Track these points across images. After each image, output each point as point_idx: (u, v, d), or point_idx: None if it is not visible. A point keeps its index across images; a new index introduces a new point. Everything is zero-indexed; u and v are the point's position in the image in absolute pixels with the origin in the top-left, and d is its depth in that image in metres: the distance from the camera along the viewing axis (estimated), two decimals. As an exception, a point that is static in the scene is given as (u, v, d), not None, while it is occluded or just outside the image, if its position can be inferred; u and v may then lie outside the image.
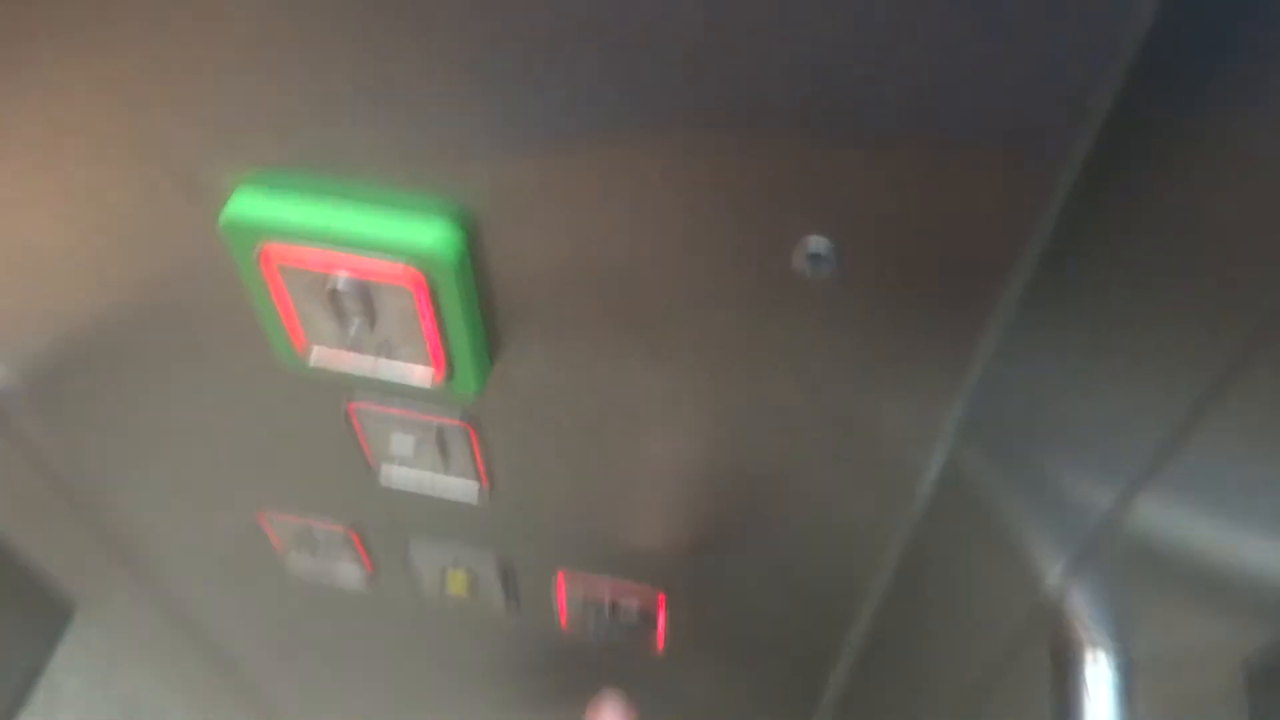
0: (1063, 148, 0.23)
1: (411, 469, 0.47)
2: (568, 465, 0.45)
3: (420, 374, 0.38)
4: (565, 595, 0.55)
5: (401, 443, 0.45)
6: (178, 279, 0.39)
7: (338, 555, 0.58)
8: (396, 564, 0.58)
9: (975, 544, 0.46)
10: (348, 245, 0.34)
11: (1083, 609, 0.45)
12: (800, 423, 0.37)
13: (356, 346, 0.38)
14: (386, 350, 0.38)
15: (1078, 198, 0.27)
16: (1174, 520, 0.38)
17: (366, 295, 0.35)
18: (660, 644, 0.58)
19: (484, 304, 0.36)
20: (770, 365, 0.36)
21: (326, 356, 0.39)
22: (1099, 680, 0.45)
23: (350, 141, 0.31)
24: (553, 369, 0.39)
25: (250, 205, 0.34)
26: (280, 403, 0.45)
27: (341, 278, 0.35)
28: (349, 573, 0.60)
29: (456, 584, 0.57)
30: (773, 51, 0.23)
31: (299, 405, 0.45)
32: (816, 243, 0.31)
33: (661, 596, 0.53)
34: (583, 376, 0.39)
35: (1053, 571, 0.44)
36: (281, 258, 0.35)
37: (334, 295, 0.36)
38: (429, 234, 0.33)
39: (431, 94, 0.29)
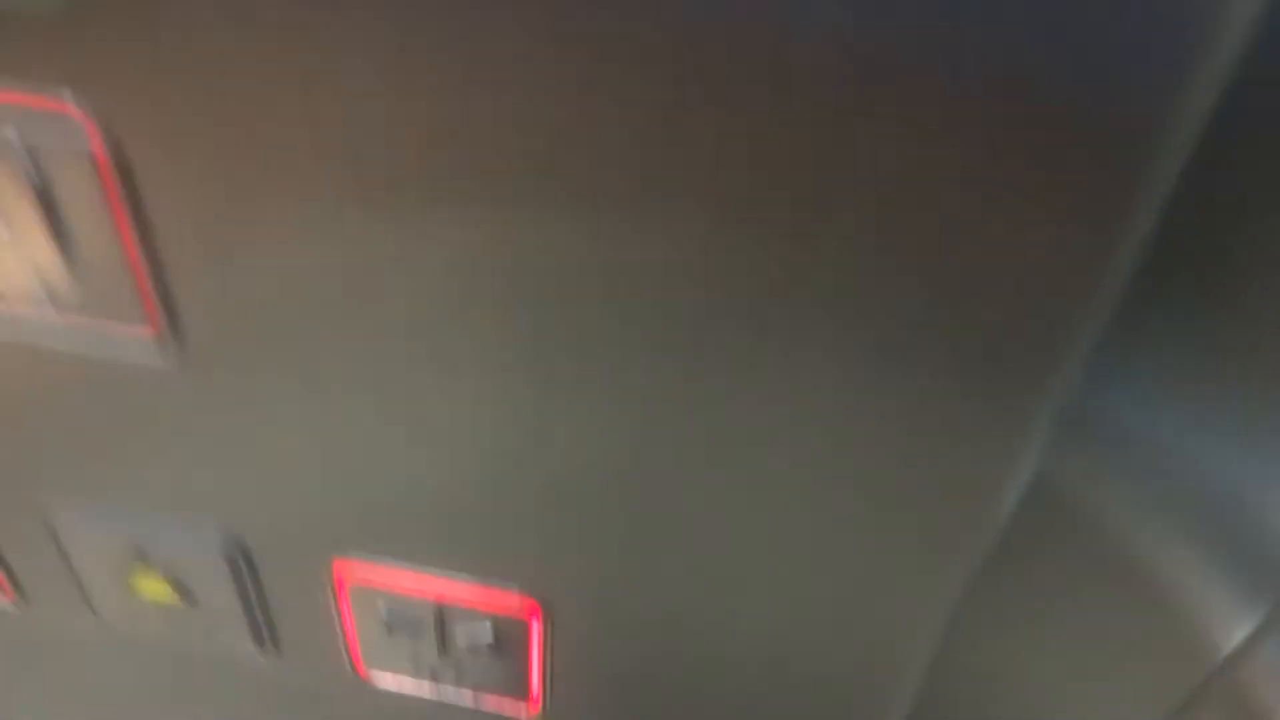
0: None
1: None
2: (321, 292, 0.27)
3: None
4: (352, 610, 0.38)
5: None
6: None
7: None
8: (45, 568, 0.37)
9: (1093, 588, 0.41)
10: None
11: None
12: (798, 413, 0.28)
13: None
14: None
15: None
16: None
17: None
18: (535, 702, 0.44)
19: None
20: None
21: None
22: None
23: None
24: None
25: None
26: None
27: None
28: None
29: (154, 595, 0.36)
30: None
31: None
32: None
33: (536, 609, 0.39)
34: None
35: (1235, 627, 0.38)
36: None
37: None
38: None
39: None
